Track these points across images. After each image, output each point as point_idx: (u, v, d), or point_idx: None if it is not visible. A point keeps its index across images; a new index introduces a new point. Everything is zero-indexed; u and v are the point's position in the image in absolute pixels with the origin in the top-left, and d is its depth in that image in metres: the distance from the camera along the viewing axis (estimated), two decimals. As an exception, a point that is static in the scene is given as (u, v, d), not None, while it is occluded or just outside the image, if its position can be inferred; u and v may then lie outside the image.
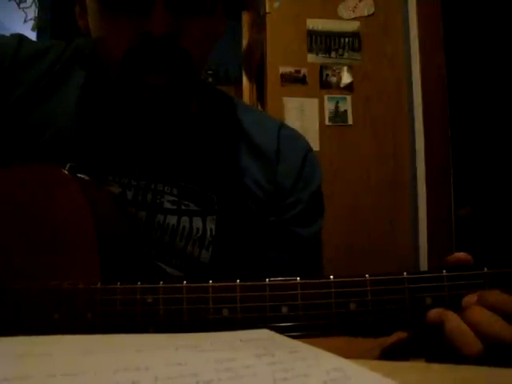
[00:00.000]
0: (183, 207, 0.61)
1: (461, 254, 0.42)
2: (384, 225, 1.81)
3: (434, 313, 0.39)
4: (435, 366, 0.35)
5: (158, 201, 0.60)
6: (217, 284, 0.41)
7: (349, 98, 1.86)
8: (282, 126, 0.71)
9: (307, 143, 0.72)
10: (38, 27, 2.88)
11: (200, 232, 0.61)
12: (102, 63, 0.60)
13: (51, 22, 2.79)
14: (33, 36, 2.94)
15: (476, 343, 0.37)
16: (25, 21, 2.91)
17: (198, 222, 0.61)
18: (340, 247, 1.71)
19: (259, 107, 2.29)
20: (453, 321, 0.38)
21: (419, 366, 0.36)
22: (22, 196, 0.49)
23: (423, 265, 1.77)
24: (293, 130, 0.74)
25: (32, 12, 2.91)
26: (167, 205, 0.60)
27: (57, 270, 0.45)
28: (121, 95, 0.61)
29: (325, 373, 0.27)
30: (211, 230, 0.61)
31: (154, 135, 0.64)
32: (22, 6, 2.89)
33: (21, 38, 0.64)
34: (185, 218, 0.60)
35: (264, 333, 0.37)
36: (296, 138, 0.72)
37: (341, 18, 1.90)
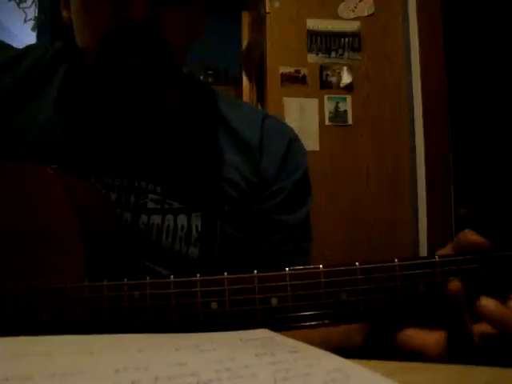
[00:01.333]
0: (167, 206, 0.61)
1: (472, 237, 0.41)
2: (384, 225, 1.81)
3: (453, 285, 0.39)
4: (436, 366, 0.35)
5: (141, 201, 0.60)
6: (204, 278, 0.41)
7: (349, 98, 1.86)
8: (266, 117, 0.71)
9: (292, 132, 0.73)
10: (38, 27, 2.88)
11: (185, 229, 0.61)
12: (80, 54, 0.60)
13: (51, 21, 2.79)
14: (33, 36, 2.94)
15: None
16: (25, 21, 2.91)
17: (182, 220, 0.61)
18: (340, 247, 1.71)
19: (259, 107, 2.29)
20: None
21: (419, 366, 0.36)
22: (4, 194, 0.49)
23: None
24: (277, 119, 0.74)
25: (32, 12, 2.91)
26: (151, 204, 0.60)
27: (42, 269, 0.45)
28: (99, 83, 0.60)
29: (325, 373, 0.27)
30: (197, 226, 0.61)
31: (135, 131, 0.64)
32: (21, 6, 2.89)
33: None
34: (169, 217, 0.61)
35: (264, 332, 0.37)
36: (279, 127, 0.72)
37: (341, 18, 1.90)
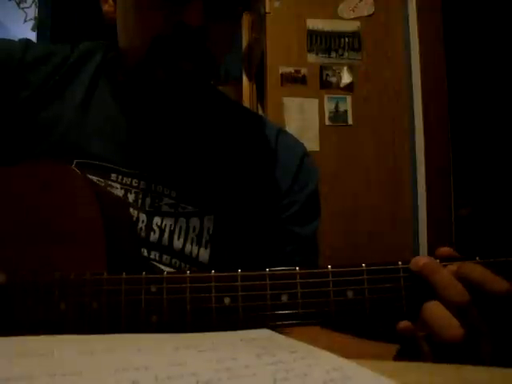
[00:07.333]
0: (180, 210, 0.62)
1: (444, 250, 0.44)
2: (384, 225, 1.81)
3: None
4: (436, 366, 0.35)
5: (156, 204, 0.62)
6: (219, 274, 0.42)
7: (349, 98, 1.86)
8: (280, 132, 0.74)
9: (304, 148, 0.75)
10: (38, 27, 2.88)
11: (197, 230, 0.62)
12: (121, 53, 0.62)
13: (51, 21, 2.79)
14: (33, 36, 2.94)
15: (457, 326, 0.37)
16: (25, 21, 2.91)
17: (195, 222, 0.63)
18: (340, 247, 1.71)
19: (259, 107, 2.29)
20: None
21: (419, 366, 0.36)
22: (31, 192, 0.50)
23: (423, 265, 1.76)
24: (290, 135, 0.76)
25: (32, 12, 2.91)
26: (165, 208, 0.62)
27: (63, 262, 0.46)
28: (141, 81, 0.61)
29: (325, 372, 0.27)
30: (209, 228, 0.63)
31: (158, 135, 0.65)
32: (22, 6, 2.88)
33: (28, 43, 0.67)
34: (182, 219, 0.62)
35: (264, 332, 0.37)
36: (293, 144, 0.75)
37: (341, 18, 1.90)
